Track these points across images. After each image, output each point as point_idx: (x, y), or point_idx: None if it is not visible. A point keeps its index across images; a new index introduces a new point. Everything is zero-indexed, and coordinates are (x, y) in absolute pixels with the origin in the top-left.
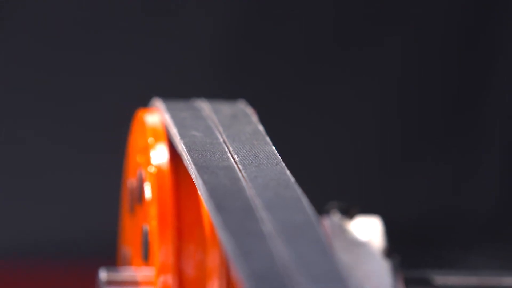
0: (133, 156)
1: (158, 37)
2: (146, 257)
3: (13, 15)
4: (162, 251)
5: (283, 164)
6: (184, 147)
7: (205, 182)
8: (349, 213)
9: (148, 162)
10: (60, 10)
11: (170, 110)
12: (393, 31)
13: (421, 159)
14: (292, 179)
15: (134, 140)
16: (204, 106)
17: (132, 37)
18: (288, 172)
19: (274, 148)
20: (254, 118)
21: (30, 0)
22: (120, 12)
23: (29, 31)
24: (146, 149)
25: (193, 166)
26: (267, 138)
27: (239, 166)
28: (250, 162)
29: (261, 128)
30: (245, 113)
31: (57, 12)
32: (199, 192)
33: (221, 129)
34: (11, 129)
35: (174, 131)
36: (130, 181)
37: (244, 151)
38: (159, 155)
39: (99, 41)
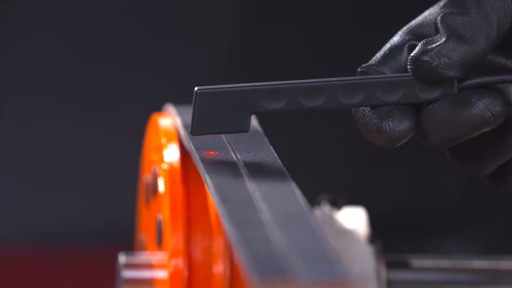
0: (148, 155)
1: (169, 51)
2: (159, 243)
3: (51, 35)
4: (173, 238)
5: (280, 161)
6: (193, 147)
7: (211, 177)
8: (337, 204)
9: (161, 160)
10: (94, 31)
11: (180, 114)
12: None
13: (402, 157)
14: (288, 174)
15: (149, 140)
16: None
17: (148, 52)
18: (284, 168)
19: (271, 147)
20: (255, 121)
21: (67, 20)
22: (137, 32)
23: (67, 49)
24: (159, 149)
25: (200, 163)
26: (266, 139)
27: (241, 163)
28: (251, 159)
29: (260, 130)
30: None
31: (92, 32)
32: (206, 186)
33: None
34: (47, 131)
35: (184, 133)
36: (146, 177)
37: (246, 150)
38: (171, 154)
39: (118, 56)
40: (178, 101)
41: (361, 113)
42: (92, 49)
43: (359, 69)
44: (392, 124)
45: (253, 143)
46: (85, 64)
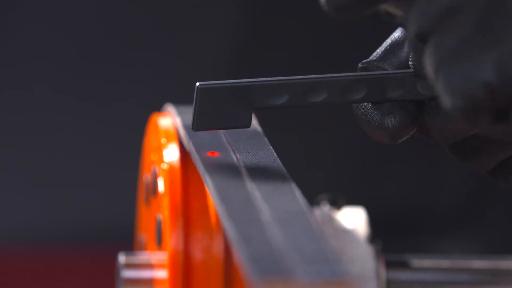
0: (148, 154)
1: (170, 53)
2: (159, 243)
3: (58, 39)
4: (173, 238)
5: (279, 161)
6: (193, 147)
7: (211, 177)
8: (337, 204)
9: (161, 160)
10: (101, 32)
11: (180, 114)
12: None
13: (402, 157)
14: (287, 174)
15: (149, 140)
16: None
17: (149, 54)
18: (283, 168)
19: (271, 147)
20: (255, 121)
21: (74, 24)
22: (139, 35)
23: (76, 50)
24: (159, 148)
25: (200, 164)
26: (265, 139)
27: (241, 163)
28: (250, 159)
29: (260, 129)
30: None
31: (99, 34)
32: (205, 186)
33: (225, 130)
34: (47, 130)
35: (184, 133)
36: (145, 176)
37: (245, 150)
38: (171, 154)
39: (122, 58)
40: (181, 97)
41: (363, 109)
42: (93, 46)
43: (360, 65)
44: (394, 121)
45: (253, 143)
46: (87, 61)
